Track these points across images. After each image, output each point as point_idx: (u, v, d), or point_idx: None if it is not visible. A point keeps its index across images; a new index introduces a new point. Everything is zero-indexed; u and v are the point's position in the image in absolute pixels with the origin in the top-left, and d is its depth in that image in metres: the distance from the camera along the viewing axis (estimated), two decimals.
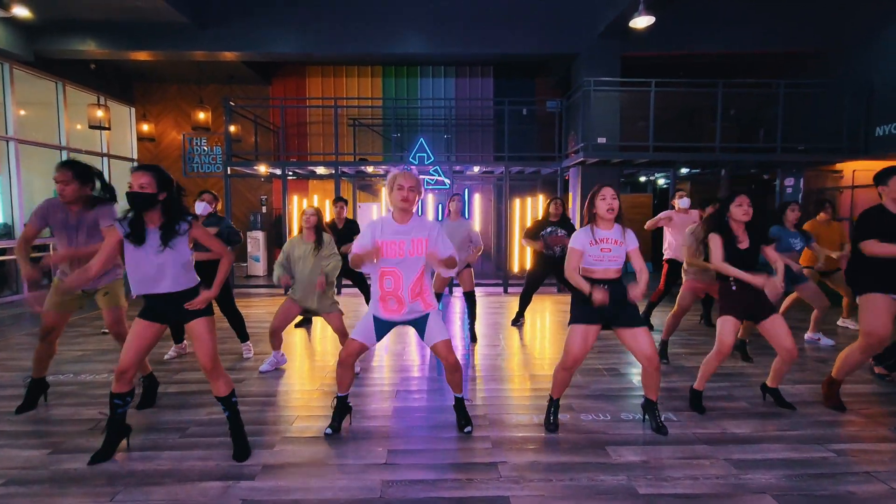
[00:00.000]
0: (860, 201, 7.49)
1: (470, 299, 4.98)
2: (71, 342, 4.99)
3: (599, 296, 2.60)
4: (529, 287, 5.45)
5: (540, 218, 5.42)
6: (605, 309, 2.67)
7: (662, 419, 2.93)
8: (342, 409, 2.90)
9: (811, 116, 7.85)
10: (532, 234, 5.21)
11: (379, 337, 2.77)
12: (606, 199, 2.70)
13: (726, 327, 3.00)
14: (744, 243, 3.03)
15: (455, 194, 5.09)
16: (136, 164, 10.42)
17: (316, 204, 9.10)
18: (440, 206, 9.04)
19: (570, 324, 2.82)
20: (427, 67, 10.03)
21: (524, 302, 5.54)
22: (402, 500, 2.23)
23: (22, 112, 7.99)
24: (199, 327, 2.50)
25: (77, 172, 2.88)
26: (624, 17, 6.83)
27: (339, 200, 5.42)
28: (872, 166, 7.18)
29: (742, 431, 2.90)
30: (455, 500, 2.22)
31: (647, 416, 2.96)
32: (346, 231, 5.23)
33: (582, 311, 2.74)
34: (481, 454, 2.64)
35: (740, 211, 3.00)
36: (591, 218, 2.78)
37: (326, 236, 3.82)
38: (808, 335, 4.86)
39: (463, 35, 7.94)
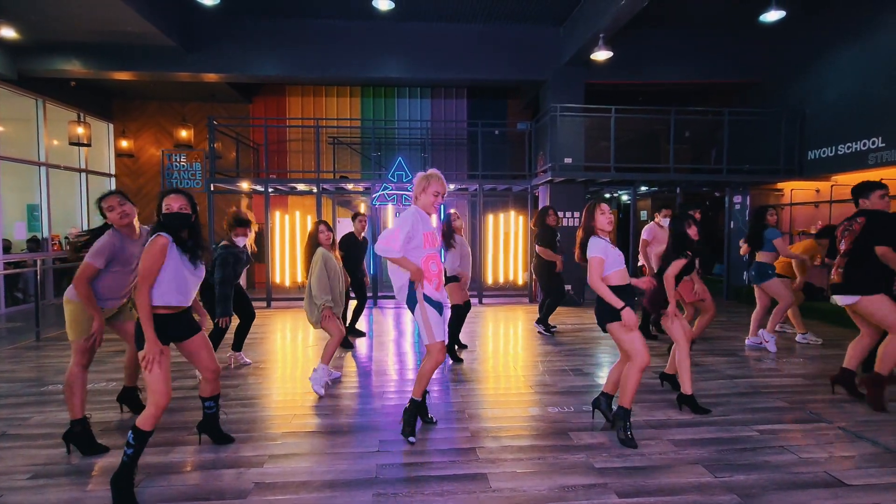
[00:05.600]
0: (798, 217, 8.29)
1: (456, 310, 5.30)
2: (60, 354, 5.14)
3: (632, 319, 2.87)
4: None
5: (544, 227, 5.83)
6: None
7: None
8: (421, 411, 3.15)
9: (754, 141, 8.67)
10: (551, 244, 5.75)
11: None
12: (606, 214, 3.02)
13: (681, 328, 3.46)
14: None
15: (453, 210, 5.25)
16: (113, 178, 10.49)
17: (298, 219, 9.38)
18: None
19: (615, 320, 2.94)
20: (404, 89, 10.51)
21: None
22: (395, 479, 2.59)
23: (0, 129, 8.05)
24: (200, 340, 2.75)
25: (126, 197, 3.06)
26: (586, 50, 7.47)
27: (360, 215, 5.74)
28: (807, 186, 8.00)
29: (684, 417, 3.39)
30: (440, 478, 2.60)
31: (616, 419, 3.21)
32: (364, 245, 5.75)
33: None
34: (461, 441, 3.03)
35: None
36: (590, 230, 3.04)
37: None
38: (749, 339, 5.38)
39: (437, 61, 8.45)
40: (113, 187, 10.53)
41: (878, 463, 2.75)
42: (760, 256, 5.04)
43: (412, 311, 2.99)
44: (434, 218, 3.16)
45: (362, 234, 5.71)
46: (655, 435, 3.10)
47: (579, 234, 3.13)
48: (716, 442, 3.01)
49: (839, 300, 3.63)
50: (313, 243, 4.04)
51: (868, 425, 3.26)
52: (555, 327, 6.12)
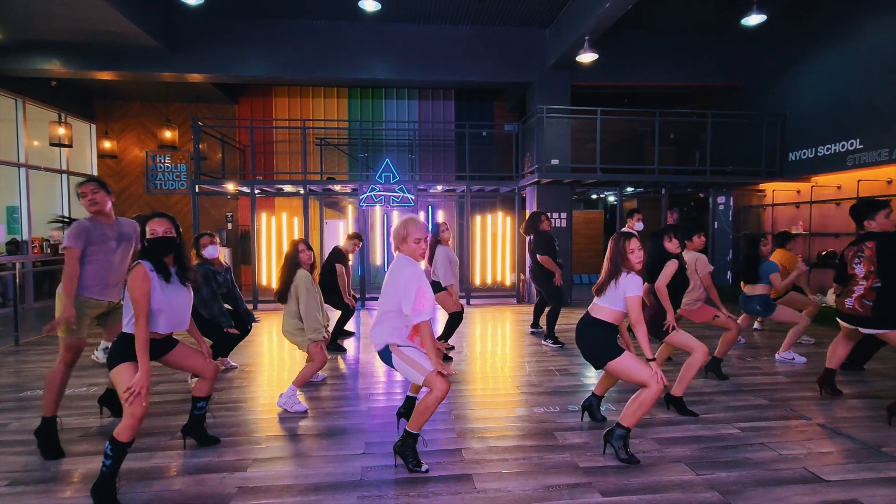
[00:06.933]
0: (779, 218, 8.44)
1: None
2: (39, 359, 5.04)
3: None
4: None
5: (541, 234, 5.62)
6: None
7: (603, 410, 3.42)
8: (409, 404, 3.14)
9: (736, 142, 8.81)
10: (552, 251, 5.51)
11: None
12: (636, 252, 2.80)
13: (690, 336, 3.40)
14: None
15: (443, 222, 5.14)
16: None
17: (285, 221, 9.33)
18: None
19: (615, 357, 2.81)
20: (391, 90, 10.49)
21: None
22: (380, 481, 2.59)
23: None
24: (185, 348, 2.73)
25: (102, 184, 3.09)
26: (571, 53, 7.53)
27: (355, 238, 5.65)
28: (788, 187, 8.15)
29: (667, 416, 3.43)
30: (425, 479, 2.59)
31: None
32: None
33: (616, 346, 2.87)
34: (447, 443, 3.03)
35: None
36: (617, 270, 2.81)
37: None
38: (779, 354, 4.87)
39: (425, 63, 8.46)
40: None
41: (855, 459, 2.81)
42: (759, 289, 4.69)
43: (389, 363, 2.71)
44: (423, 263, 2.92)
45: (349, 253, 5.65)
46: (639, 433, 3.13)
47: (607, 267, 2.89)
48: (698, 440, 3.05)
49: (865, 330, 3.46)
50: (293, 265, 3.68)
51: (846, 422, 3.32)
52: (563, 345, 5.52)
